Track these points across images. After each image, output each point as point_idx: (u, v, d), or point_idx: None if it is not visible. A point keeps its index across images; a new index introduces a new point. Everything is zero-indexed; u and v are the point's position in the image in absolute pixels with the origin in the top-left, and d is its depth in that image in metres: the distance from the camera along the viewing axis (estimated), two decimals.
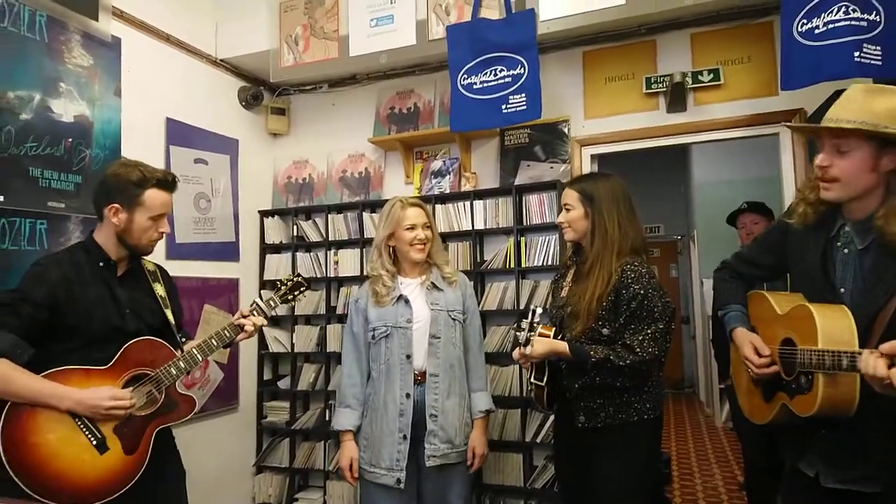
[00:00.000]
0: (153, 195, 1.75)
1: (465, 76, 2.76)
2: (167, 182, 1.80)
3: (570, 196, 1.99)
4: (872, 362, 1.15)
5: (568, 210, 1.98)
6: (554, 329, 1.92)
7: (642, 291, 1.80)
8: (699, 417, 6.23)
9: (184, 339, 1.95)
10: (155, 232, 1.79)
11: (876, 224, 1.33)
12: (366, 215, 3.33)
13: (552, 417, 2.47)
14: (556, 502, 2.62)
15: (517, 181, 3.11)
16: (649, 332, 1.79)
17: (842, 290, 1.40)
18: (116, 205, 1.73)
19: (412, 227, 2.08)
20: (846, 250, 1.41)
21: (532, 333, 1.85)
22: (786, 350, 1.43)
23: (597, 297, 1.83)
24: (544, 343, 1.84)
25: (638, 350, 1.77)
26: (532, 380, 1.95)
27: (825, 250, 1.44)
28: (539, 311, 1.89)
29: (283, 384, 3.50)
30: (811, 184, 1.48)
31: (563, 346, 1.84)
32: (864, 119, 1.30)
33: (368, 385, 2.12)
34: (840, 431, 1.37)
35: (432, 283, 2.12)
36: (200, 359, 1.82)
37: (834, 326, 1.29)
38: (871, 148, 1.31)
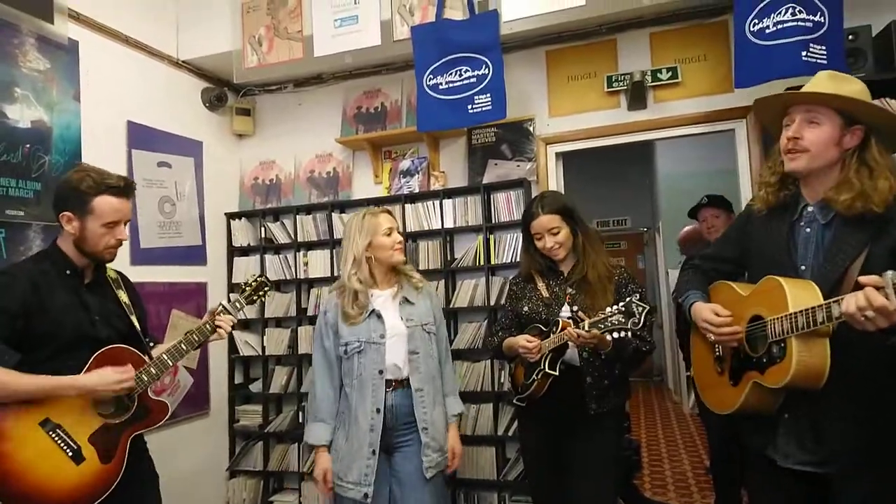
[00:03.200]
0: (104, 202, 1.71)
1: (431, 76, 2.79)
2: (120, 188, 1.75)
3: (554, 220, 2.10)
4: (863, 297, 1.18)
5: (556, 233, 2.10)
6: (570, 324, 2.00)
7: (638, 290, 2.08)
8: (668, 405, 6.40)
9: (151, 344, 1.94)
10: (112, 238, 1.74)
11: (826, 196, 1.43)
12: (335, 216, 3.33)
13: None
14: (528, 493, 2.68)
15: (485, 180, 3.15)
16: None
17: (802, 267, 1.46)
18: (68, 213, 1.72)
19: (389, 232, 2.10)
20: (808, 229, 1.48)
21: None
22: (754, 325, 1.48)
23: (608, 296, 2.04)
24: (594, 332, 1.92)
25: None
26: (547, 369, 2.00)
27: (789, 231, 1.51)
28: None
29: (255, 387, 3.48)
30: (770, 169, 1.58)
31: (607, 338, 1.91)
32: (834, 91, 1.41)
33: (340, 399, 2.12)
34: (801, 415, 1.43)
35: (404, 297, 2.14)
36: (171, 364, 1.81)
37: (802, 293, 1.36)
38: (839, 122, 1.42)
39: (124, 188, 1.76)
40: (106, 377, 1.65)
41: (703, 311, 1.59)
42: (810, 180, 1.49)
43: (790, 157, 1.48)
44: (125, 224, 1.79)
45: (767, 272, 1.48)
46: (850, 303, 1.21)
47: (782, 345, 1.38)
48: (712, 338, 1.57)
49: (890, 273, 1.15)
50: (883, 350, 1.25)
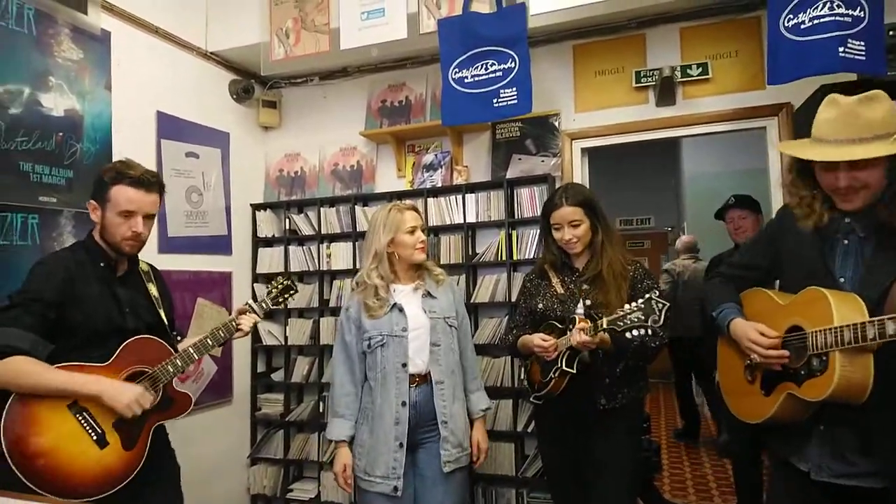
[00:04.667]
0: (119, 191, 1.73)
1: (457, 70, 2.77)
2: (137, 179, 1.75)
3: (576, 212, 2.07)
4: None
5: (576, 226, 2.07)
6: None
7: (655, 286, 2.05)
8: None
9: (179, 338, 1.98)
10: (128, 230, 1.74)
11: (880, 215, 1.39)
12: (358, 208, 3.35)
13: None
14: (546, 490, 2.67)
15: (508, 175, 3.13)
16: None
17: (841, 279, 1.43)
18: (94, 201, 1.77)
19: (413, 231, 2.10)
20: (846, 241, 1.45)
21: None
22: (792, 336, 1.44)
23: (622, 295, 2.01)
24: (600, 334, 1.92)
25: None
26: (564, 367, 1.97)
27: (825, 242, 1.47)
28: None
29: (277, 377, 3.52)
30: (813, 194, 1.50)
31: (607, 336, 1.91)
32: (875, 132, 1.35)
33: (364, 393, 2.12)
34: (840, 426, 1.39)
35: (427, 290, 2.14)
36: (196, 357, 1.85)
37: (847, 307, 1.32)
38: (886, 159, 1.37)
39: (143, 180, 1.76)
40: (130, 392, 1.66)
41: (749, 331, 1.53)
42: None
43: (847, 199, 1.42)
44: (146, 218, 1.78)
45: (804, 282, 1.44)
46: None
47: (824, 358, 1.35)
48: (757, 359, 1.52)
49: None
50: None
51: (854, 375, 1.29)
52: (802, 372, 1.40)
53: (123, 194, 1.74)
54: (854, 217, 1.44)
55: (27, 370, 1.57)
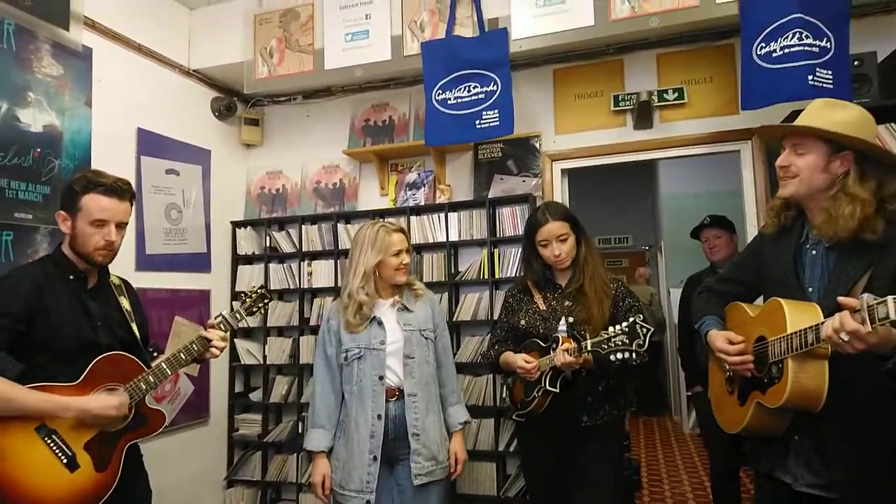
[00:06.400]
0: (91, 199, 1.70)
1: (440, 91, 2.81)
2: (109, 187, 1.72)
3: (563, 227, 2.11)
4: (837, 320, 1.20)
5: (564, 240, 2.10)
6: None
7: (636, 304, 2.11)
8: (667, 424, 6.36)
9: (154, 353, 1.94)
10: (100, 239, 1.71)
11: (814, 224, 1.47)
12: (340, 226, 3.34)
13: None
14: None
15: (490, 194, 3.17)
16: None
17: (809, 289, 1.48)
18: (63, 212, 1.74)
19: (398, 253, 2.12)
20: (813, 252, 1.50)
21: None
22: (759, 346, 1.50)
23: (604, 311, 2.05)
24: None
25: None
26: (547, 386, 1.98)
27: (795, 253, 1.54)
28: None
29: (255, 396, 3.46)
30: (782, 202, 1.61)
31: (590, 356, 1.92)
32: (821, 126, 1.44)
33: (341, 406, 2.13)
34: (809, 437, 1.43)
35: (403, 304, 2.16)
36: (169, 373, 1.80)
37: (801, 315, 1.37)
38: (824, 150, 1.45)
39: (114, 188, 1.74)
40: (109, 402, 1.65)
41: (718, 339, 1.60)
42: (809, 205, 1.51)
43: (781, 184, 1.54)
44: (119, 227, 1.76)
45: (777, 293, 1.50)
46: (827, 325, 1.24)
47: (780, 365, 1.40)
48: (727, 367, 1.59)
49: (866, 296, 1.16)
50: (884, 373, 1.25)
51: (807, 382, 1.33)
52: (765, 380, 1.46)
53: (96, 203, 1.70)
54: (819, 228, 1.49)
55: None
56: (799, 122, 1.51)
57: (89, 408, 1.62)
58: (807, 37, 2.25)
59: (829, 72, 2.25)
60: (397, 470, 2.06)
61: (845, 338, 1.19)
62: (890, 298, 1.09)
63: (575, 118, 3.13)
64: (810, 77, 2.24)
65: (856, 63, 2.36)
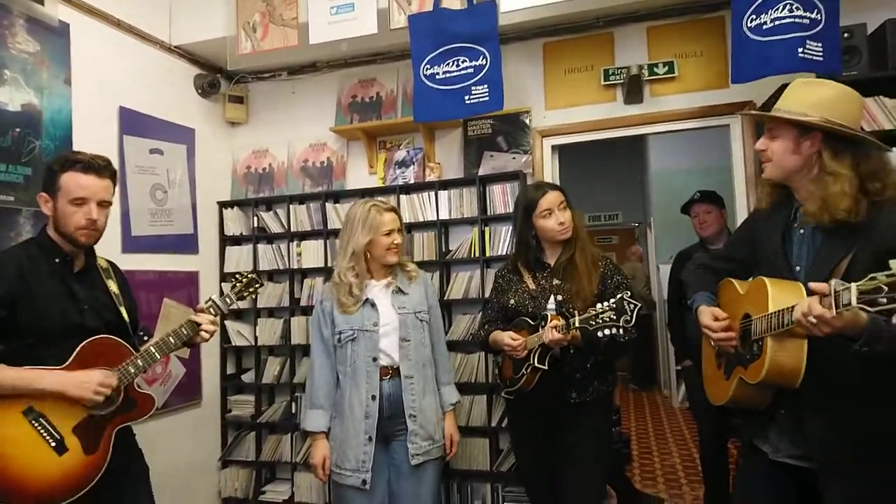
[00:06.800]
0: (71, 178, 1.67)
1: (428, 66, 2.76)
2: (91, 165, 1.70)
3: (561, 196, 2.14)
4: (806, 304, 1.24)
5: (565, 209, 2.12)
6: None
7: (624, 281, 2.11)
8: (657, 398, 6.46)
9: (144, 336, 1.91)
10: (82, 218, 1.68)
11: (803, 209, 1.48)
12: (329, 206, 3.31)
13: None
14: (520, 484, 2.70)
15: (481, 171, 3.14)
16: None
17: (797, 267, 1.49)
18: (44, 193, 1.71)
19: (389, 233, 2.10)
20: (801, 230, 1.51)
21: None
22: (744, 323, 1.52)
23: (593, 286, 2.06)
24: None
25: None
26: (536, 364, 1.99)
27: (784, 231, 1.55)
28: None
29: (248, 378, 3.46)
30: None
31: (578, 333, 1.93)
32: (790, 109, 1.47)
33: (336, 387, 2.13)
34: (792, 412, 1.46)
35: (397, 287, 2.15)
36: (159, 357, 1.78)
37: (784, 294, 1.38)
38: (792, 133, 1.46)
39: (92, 164, 1.71)
40: (91, 377, 1.62)
41: (704, 315, 1.62)
42: (794, 186, 1.53)
43: (762, 167, 1.57)
44: (101, 205, 1.72)
45: (768, 272, 1.51)
46: (797, 308, 1.27)
47: (760, 343, 1.43)
48: (713, 342, 1.61)
49: (834, 282, 1.18)
50: (853, 354, 1.27)
51: (784, 360, 1.36)
52: (748, 356, 1.48)
53: (74, 180, 1.67)
54: (815, 214, 1.49)
55: None
56: (778, 103, 1.52)
57: (62, 381, 1.59)
58: (797, 8, 2.23)
59: (819, 44, 2.23)
60: (393, 447, 2.08)
61: (813, 321, 1.23)
62: (853, 285, 1.12)
63: (565, 93, 3.10)
64: (800, 49, 2.22)
65: (846, 35, 2.35)
